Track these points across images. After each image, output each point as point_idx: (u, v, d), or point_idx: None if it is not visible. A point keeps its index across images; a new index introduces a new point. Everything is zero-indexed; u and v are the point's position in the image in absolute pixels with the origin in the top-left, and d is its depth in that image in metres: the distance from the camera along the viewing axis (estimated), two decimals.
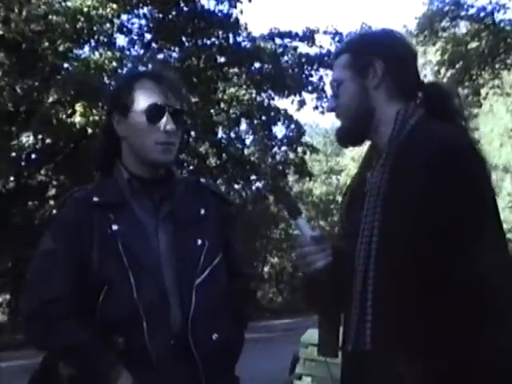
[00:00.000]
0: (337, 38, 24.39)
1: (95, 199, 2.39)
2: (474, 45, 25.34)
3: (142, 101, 2.38)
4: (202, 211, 2.49)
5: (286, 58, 24.49)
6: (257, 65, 24.35)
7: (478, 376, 1.82)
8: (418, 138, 1.99)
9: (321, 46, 24.78)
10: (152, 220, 2.42)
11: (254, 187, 26.84)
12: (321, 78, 24.99)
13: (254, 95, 24.25)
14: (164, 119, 2.37)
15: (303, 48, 24.81)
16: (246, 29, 24.63)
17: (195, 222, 2.46)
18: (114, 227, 2.34)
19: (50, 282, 2.33)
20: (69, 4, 18.54)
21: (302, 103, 25.01)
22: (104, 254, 2.32)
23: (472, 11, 24.88)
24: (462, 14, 25.03)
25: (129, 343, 2.27)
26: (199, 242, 2.41)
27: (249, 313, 2.73)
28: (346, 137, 2.21)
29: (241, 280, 2.61)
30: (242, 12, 24.10)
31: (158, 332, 2.27)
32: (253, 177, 25.92)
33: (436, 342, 1.83)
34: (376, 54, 2.12)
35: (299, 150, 25.58)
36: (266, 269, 37.81)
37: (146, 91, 2.40)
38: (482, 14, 24.72)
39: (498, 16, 24.73)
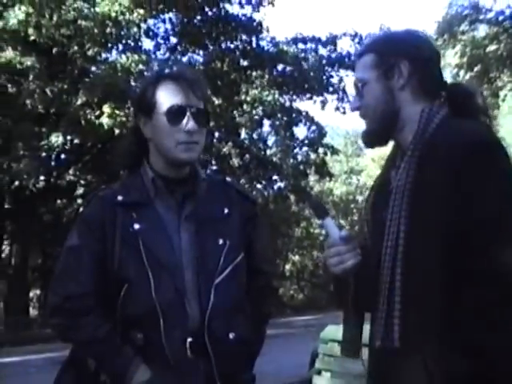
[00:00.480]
0: (356, 40, 24.51)
1: (119, 198, 2.39)
2: (492, 48, 25.26)
3: (164, 102, 2.37)
4: (226, 210, 2.47)
5: (306, 59, 24.52)
6: (279, 67, 24.40)
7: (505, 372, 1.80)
8: (443, 135, 1.96)
9: (341, 48, 24.87)
10: (175, 218, 2.41)
11: (275, 187, 26.82)
12: (341, 79, 25.07)
13: (276, 96, 24.27)
14: (185, 119, 2.35)
15: (324, 50, 24.87)
16: (268, 32, 24.70)
17: (218, 221, 2.44)
18: (136, 226, 2.33)
19: (74, 278, 2.34)
20: (97, 9, 18.63)
21: (323, 103, 25.03)
22: (125, 253, 2.32)
23: (490, 15, 24.86)
24: (481, 17, 24.98)
25: (147, 339, 2.28)
26: (220, 241, 2.39)
27: (269, 311, 2.69)
28: (373, 139, 2.15)
29: (261, 278, 2.59)
30: (264, 16, 24.14)
31: (175, 330, 2.27)
32: (275, 177, 25.93)
33: (464, 338, 1.80)
34: (402, 55, 2.07)
35: (320, 150, 25.56)
36: (287, 266, 37.80)
37: (167, 93, 2.39)
38: (501, 18, 24.66)
39: None
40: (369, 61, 2.11)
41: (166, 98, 2.38)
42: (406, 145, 2.04)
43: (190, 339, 2.28)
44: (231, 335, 2.34)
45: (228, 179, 2.66)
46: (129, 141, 2.61)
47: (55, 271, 2.46)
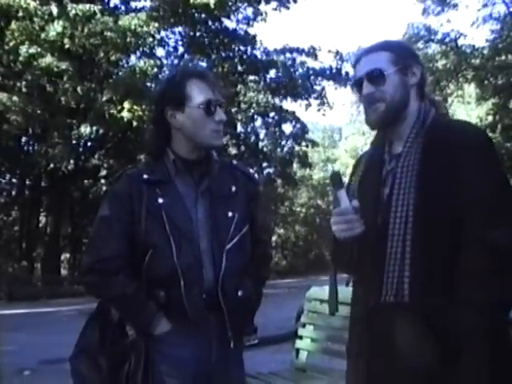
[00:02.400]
0: (338, 56, 24.61)
1: (145, 176, 2.33)
2: (442, 62, 25.56)
3: (197, 97, 2.32)
4: (233, 188, 2.43)
5: (296, 70, 24.53)
6: (272, 74, 24.45)
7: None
8: (446, 128, 1.97)
9: (321, 62, 24.97)
10: (192, 194, 2.36)
11: (265, 172, 26.77)
12: (323, 88, 25.06)
13: (270, 99, 24.22)
14: (217, 111, 2.33)
15: (310, 63, 24.96)
16: (261, 43, 24.68)
17: (227, 197, 2.39)
18: (160, 200, 2.28)
19: (105, 243, 2.28)
20: (120, 23, 18.54)
21: (308, 106, 25.03)
22: (150, 223, 2.27)
23: (439, 36, 25.17)
24: (432, 37, 25.30)
25: (168, 297, 2.24)
26: (230, 214, 2.35)
27: (266, 274, 2.65)
28: (383, 119, 2.04)
29: (261, 246, 2.54)
30: (257, 30, 24.09)
31: (193, 288, 2.23)
32: (265, 164, 25.84)
33: (465, 296, 1.78)
34: (415, 59, 2.08)
35: (303, 144, 25.55)
36: (273, 238, 37.72)
37: (198, 89, 2.33)
38: (448, 39, 25.02)
39: (460, 41, 25.13)
40: (385, 57, 2.06)
41: (199, 93, 2.33)
42: (403, 133, 2.03)
43: (204, 297, 2.25)
44: (239, 293, 2.32)
45: (235, 162, 2.62)
46: (152, 130, 2.56)
47: (89, 237, 2.42)
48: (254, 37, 24.16)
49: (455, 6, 25.43)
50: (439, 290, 1.84)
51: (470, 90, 29.11)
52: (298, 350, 4.19)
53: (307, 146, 25.63)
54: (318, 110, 25.18)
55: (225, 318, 2.29)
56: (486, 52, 24.96)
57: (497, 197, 1.85)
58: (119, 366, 2.25)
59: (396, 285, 1.89)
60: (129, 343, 2.27)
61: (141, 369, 2.22)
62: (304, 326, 4.21)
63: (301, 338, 4.20)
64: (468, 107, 32.64)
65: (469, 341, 1.79)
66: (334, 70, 24.50)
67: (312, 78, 24.67)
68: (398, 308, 1.89)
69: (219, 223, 2.34)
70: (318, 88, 25.00)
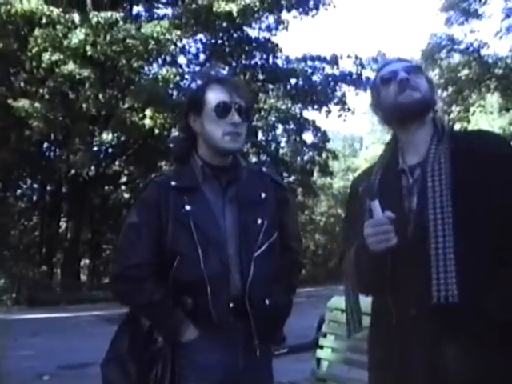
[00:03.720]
0: (357, 62, 24.50)
1: (173, 183, 2.34)
2: (465, 72, 25.56)
3: (212, 100, 2.33)
4: (263, 195, 2.42)
5: (315, 77, 24.55)
6: (292, 81, 24.40)
7: None
8: (465, 134, 2.08)
9: (343, 68, 24.89)
10: (219, 201, 2.36)
11: (285, 181, 26.73)
12: (343, 94, 25.01)
13: (289, 106, 24.24)
14: (230, 113, 2.32)
15: (328, 67, 24.88)
16: (281, 52, 24.75)
17: (256, 204, 2.39)
18: (187, 207, 2.28)
19: (134, 250, 2.29)
20: (142, 30, 18.69)
21: (328, 112, 25.00)
22: (178, 230, 2.27)
23: (462, 46, 25.21)
24: (455, 47, 25.34)
25: (195, 304, 2.25)
26: (259, 221, 2.35)
27: (296, 282, 2.63)
28: (417, 107, 2.03)
29: (290, 254, 2.54)
30: (279, 39, 24.15)
31: (220, 296, 2.23)
32: (285, 174, 25.84)
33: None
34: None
35: (323, 154, 25.51)
36: None
37: (214, 92, 2.35)
38: (471, 49, 25.06)
39: (483, 51, 25.10)
40: (419, 67, 2.13)
41: (214, 96, 2.34)
42: (420, 141, 2.03)
43: (231, 304, 2.25)
44: (267, 301, 2.31)
45: (264, 168, 2.60)
46: (180, 137, 2.57)
47: (118, 245, 2.43)
48: (276, 45, 24.22)
49: (479, 16, 25.37)
50: (487, 289, 1.84)
51: (493, 100, 28.98)
52: (318, 360, 4.15)
53: (328, 157, 25.57)
54: (339, 115, 25.11)
55: (252, 327, 2.29)
56: (509, 61, 24.87)
57: None
58: (147, 372, 2.26)
59: (444, 286, 1.87)
60: (156, 350, 2.27)
61: (168, 376, 2.23)
62: (325, 335, 4.18)
63: (322, 347, 4.17)
64: (490, 117, 32.46)
65: None
66: (354, 76, 24.45)
67: (332, 83, 24.62)
68: (446, 311, 1.87)
69: (248, 230, 2.33)
70: (338, 94, 24.97)
